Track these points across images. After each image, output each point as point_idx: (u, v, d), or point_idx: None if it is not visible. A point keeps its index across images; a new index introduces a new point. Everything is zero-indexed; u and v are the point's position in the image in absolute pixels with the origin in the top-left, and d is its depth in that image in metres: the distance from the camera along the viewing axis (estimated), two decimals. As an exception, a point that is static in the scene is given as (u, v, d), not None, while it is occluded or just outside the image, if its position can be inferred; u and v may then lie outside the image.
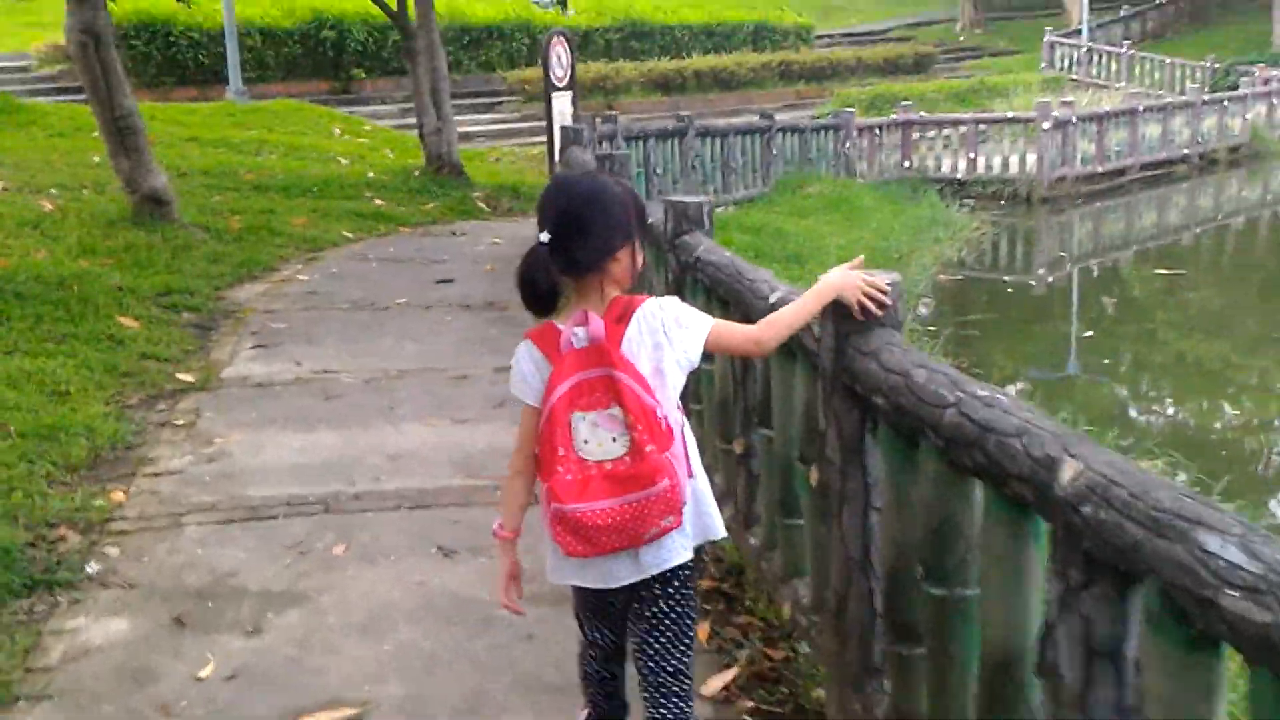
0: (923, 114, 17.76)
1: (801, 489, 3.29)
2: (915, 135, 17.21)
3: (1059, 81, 26.56)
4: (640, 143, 12.22)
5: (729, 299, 3.61)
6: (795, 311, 2.52)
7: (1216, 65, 27.07)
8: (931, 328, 9.86)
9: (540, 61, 14.70)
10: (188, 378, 6.32)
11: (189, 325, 7.44)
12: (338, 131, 17.66)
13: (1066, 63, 29.52)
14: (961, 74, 29.32)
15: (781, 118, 22.78)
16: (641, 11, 26.59)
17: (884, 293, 2.51)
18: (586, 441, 2.34)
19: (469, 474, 4.92)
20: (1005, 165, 16.71)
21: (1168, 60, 27.83)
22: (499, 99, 22.45)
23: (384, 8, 14.16)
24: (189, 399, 6.01)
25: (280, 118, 17.85)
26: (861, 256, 2.72)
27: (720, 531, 2.59)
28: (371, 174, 14.14)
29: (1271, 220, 17.71)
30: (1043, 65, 29.81)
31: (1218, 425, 8.95)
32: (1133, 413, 9.06)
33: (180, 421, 5.64)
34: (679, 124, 12.82)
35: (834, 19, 38.66)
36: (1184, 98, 19.17)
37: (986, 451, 2.01)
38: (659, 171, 12.34)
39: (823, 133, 15.58)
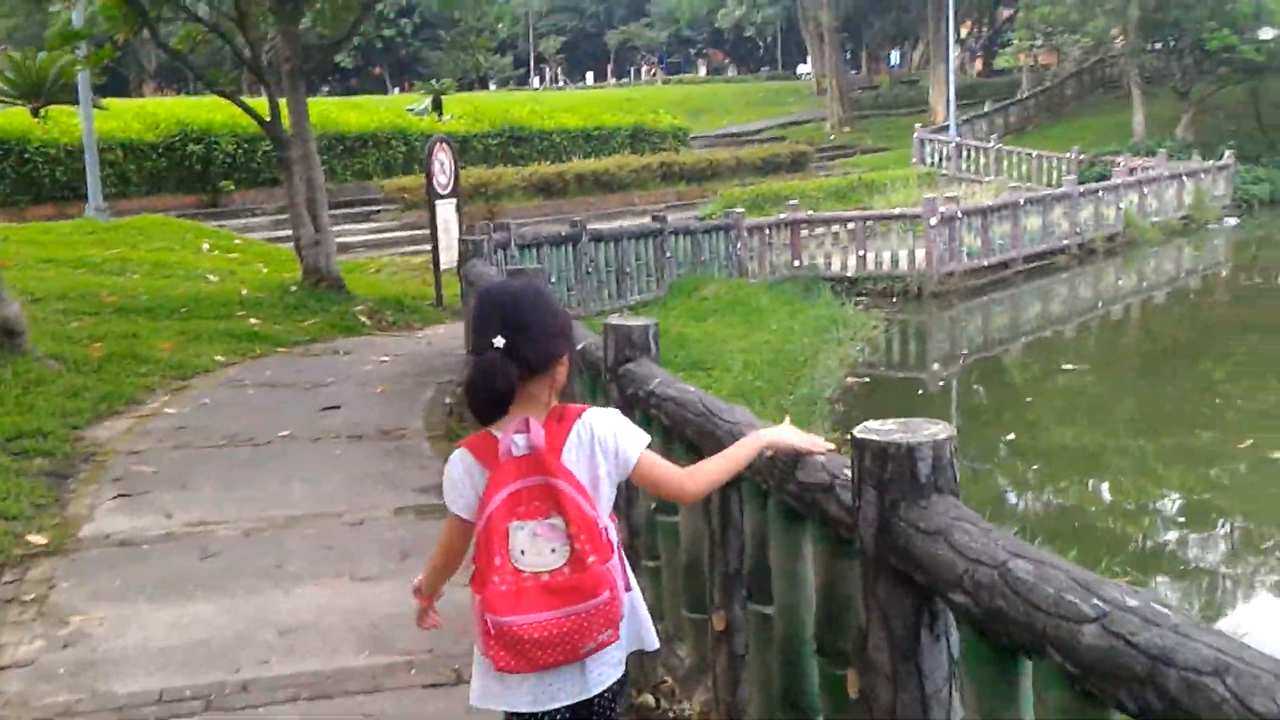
0: (809, 213, 17.65)
1: (822, 687, 2.67)
2: (804, 233, 17.05)
3: (931, 176, 27.02)
4: (534, 250, 11.70)
5: (700, 442, 3.07)
6: (721, 464, 2.49)
7: (1082, 156, 27.84)
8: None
9: (424, 169, 14.17)
10: (39, 539, 5.47)
11: (42, 473, 6.57)
12: (206, 246, 16.80)
13: (936, 158, 30.13)
14: (837, 171, 29.69)
15: (668, 219, 22.70)
16: (519, 117, 26.36)
17: (824, 451, 2.49)
18: (524, 552, 2.26)
19: (376, 648, 4.21)
20: (894, 262, 16.63)
21: (1034, 153, 28.58)
22: (376, 208, 21.83)
23: (257, 119, 13.52)
24: (41, 566, 5.18)
25: (144, 234, 16.94)
26: (787, 418, 2.67)
27: (654, 643, 2.54)
28: (245, 290, 13.33)
29: (1147, 306, 17.97)
30: (914, 160, 30.38)
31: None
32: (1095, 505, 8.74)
33: (30, 596, 4.82)
34: (572, 230, 12.36)
35: (706, 121, 39.19)
36: (1062, 189, 19.50)
37: (1164, 691, 1.44)
38: (554, 279, 11.82)
39: (714, 234, 15.30)
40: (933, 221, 16.10)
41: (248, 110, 13.66)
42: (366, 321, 12.97)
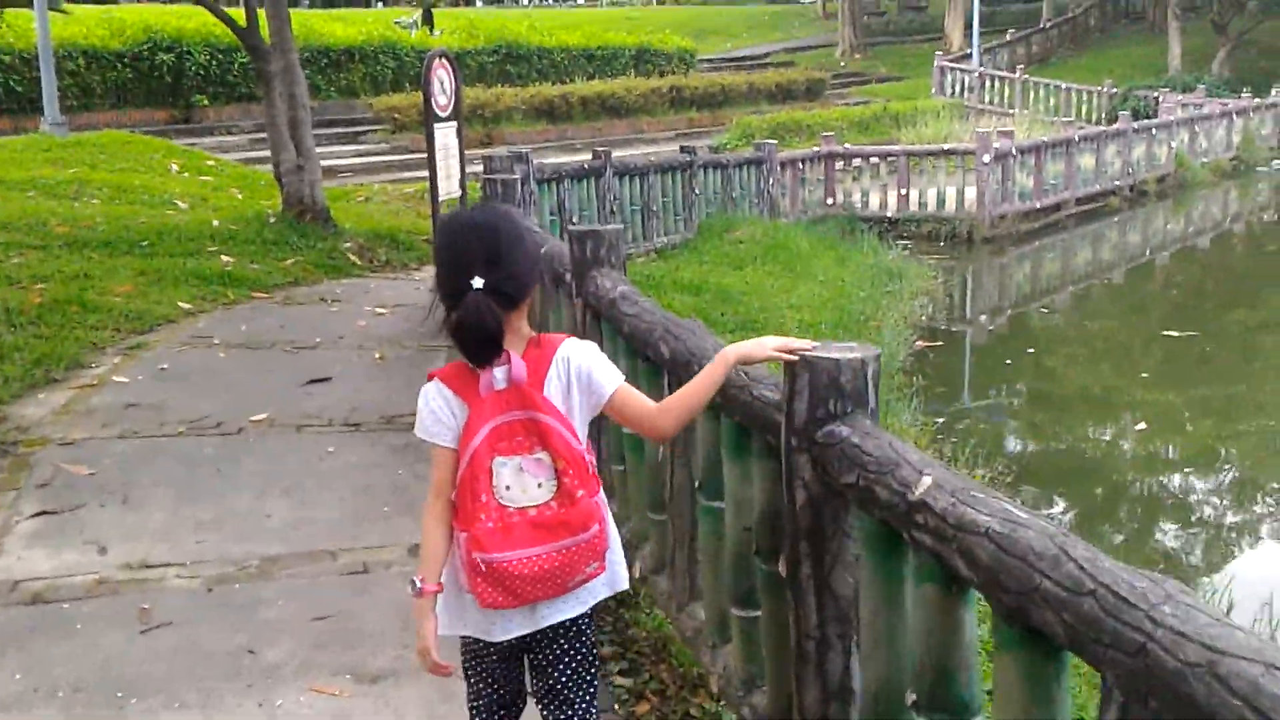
0: (846, 145, 16.00)
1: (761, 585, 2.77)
2: (838, 168, 15.44)
3: (958, 107, 25.31)
4: (553, 185, 10.08)
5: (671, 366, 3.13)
6: (693, 393, 2.40)
7: (1114, 90, 26.16)
8: (944, 419, 7.92)
9: (418, 87, 12.44)
10: (-84, 590, 3.94)
11: (-61, 474, 5.03)
12: (175, 168, 15.07)
13: (957, 88, 28.38)
14: (852, 100, 27.93)
15: (674, 148, 20.99)
16: (517, 33, 24.45)
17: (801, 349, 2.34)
18: (509, 488, 2.24)
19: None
20: (941, 202, 15.04)
21: (1063, 85, 26.87)
22: (364, 128, 20.04)
23: (230, 24, 11.76)
24: (-89, 638, 3.65)
25: (106, 152, 15.17)
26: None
27: (625, 583, 2.48)
28: (217, 221, 11.66)
29: (1226, 253, 16.37)
30: (933, 91, 28.64)
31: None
32: None
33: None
34: (595, 161, 10.72)
35: (710, 44, 37.18)
36: (1116, 125, 17.87)
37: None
38: (574, 219, 10.22)
39: (745, 168, 13.66)
40: (986, 158, 14.49)
41: (221, 16, 11.89)
42: (356, 260, 11.35)
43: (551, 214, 10.01)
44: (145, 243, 10.46)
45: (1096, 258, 15.83)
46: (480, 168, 10.41)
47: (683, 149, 12.65)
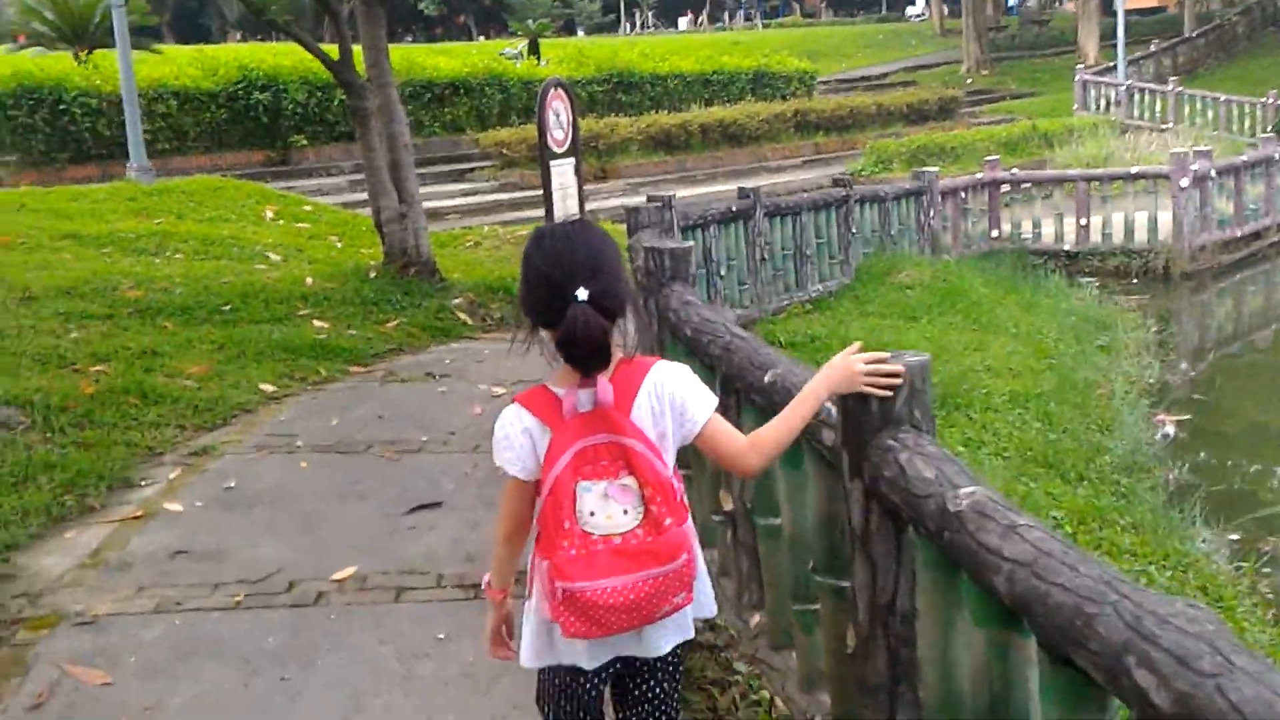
0: (1014, 170, 14.12)
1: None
2: (1003, 196, 13.56)
3: (1112, 124, 23.14)
4: (700, 231, 8.44)
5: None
6: (782, 428, 2.33)
7: (1278, 102, 23.74)
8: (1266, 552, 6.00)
9: (529, 119, 10.96)
10: None
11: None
12: (270, 214, 13.81)
13: (1103, 103, 26.18)
14: (985, 119, 25.92)
15: (805, 176, 19.27)
16: (628, 60, 23.00)
17: (896, 374, 2.26)
18: (593, 514, 2.16)
19: None
20: (1129, 232, 13.06)
21: (1220, 97, 24.52)
22: (469, 165, 18.71)
23: (324, 59, 10.44)
24: None
25: (195, 199, 13.99)
26: (858, 343, 2.41)
27: (714, 609, 2.46)
28: (310, 279, 10.27)
29: None
30: (1075, 106, 26.47)
31: None
32: None
33: None
34: (743, 201, 9.05)
35: (823, 66, 35.39)
36: (1313, 139, 15.68)
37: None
38: (721, 271, 8.56)
39: (904, 200, 11.89)
40: (1184, 182, 12.50)
41: (313, 49, 10.58)
42: (467, 320, 9.86)
43: (698, 265, 8.38)
44: (228, 307, 9.09)
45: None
46: (614, 216, 8.77)
47: (836, 181, 10.98)
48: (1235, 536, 5.84)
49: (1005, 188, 13.59)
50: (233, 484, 5.43)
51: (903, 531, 2.34)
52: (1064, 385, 7.76)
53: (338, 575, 4.35)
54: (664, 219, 5.89)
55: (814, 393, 2.33)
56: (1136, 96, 25.77)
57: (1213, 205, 13.08)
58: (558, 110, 11.44)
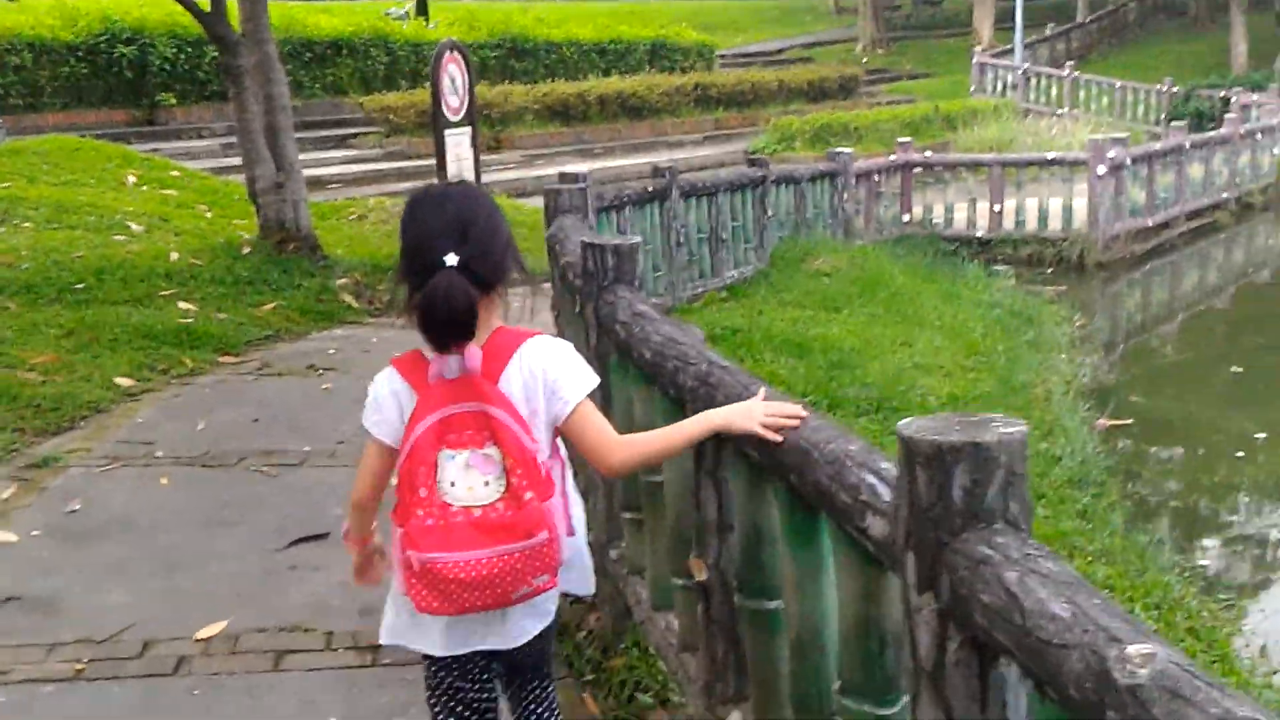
0: (927, 153, 13.67)
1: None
2: (915, 180, 13.12)
3: (1010, 107, 22.98)
4: (614, 213, 7.70)
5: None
6: (661, 441, 2.29)
7: (1174, 89, 23.91)
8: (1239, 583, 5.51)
9: (419, 84, 10.12)
10: None
11: None
12: (132, 180, 12.64)
13: (999, 86, 26.08)
14: (884, 99, 25.63)
15: (706, 152, 18.67)
16: (523, 25, 22.05)
17: (796, 418, 2.06)
18: (454, 484, 2.08)
19: None
20: (1043, 220, 12.70)
21: (1117, 84, 24.59)
22: (353, 130, 17.61)
23: (192, 9, 9.42)
24: None
25: (50, 161, 12.74)
26: (763, 388, 2.25)
27: (592, 587, 2.40)
28: (176, 253, 9.29)
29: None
30: (972, 89, 26.33)
31: None
32: None
33: None
34: (660, 181, 8.34)
35: (719, 39, 34.77)
36: (1221, 130, 15.55)
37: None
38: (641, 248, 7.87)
39: (818, 182, 11.32)
40: (1101, 169, 12.16)
41: (183, 1, 9.54)
42: (352, 302, 9.01)
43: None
44: (80, 285, 8.11)
45: (1241, 284, 13.42)
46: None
47: (751, 161, 10.31)
48: (1205, 562, 5.38)
49: (916, 170, 13.12)
50: (78, 506, 4.57)
51: (991, 667, 1.68)
52: (1001, 387, 7.26)
53: (203, 633, 3.56)
54: (585, 201, 5.17)
55: (706, 419, 2.25)
56: (1033, 80, 25.71)
57: (1127, 194, 12.81)
58: (453, 75, 10.61)
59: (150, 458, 5.20)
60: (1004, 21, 33.89)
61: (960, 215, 13.04)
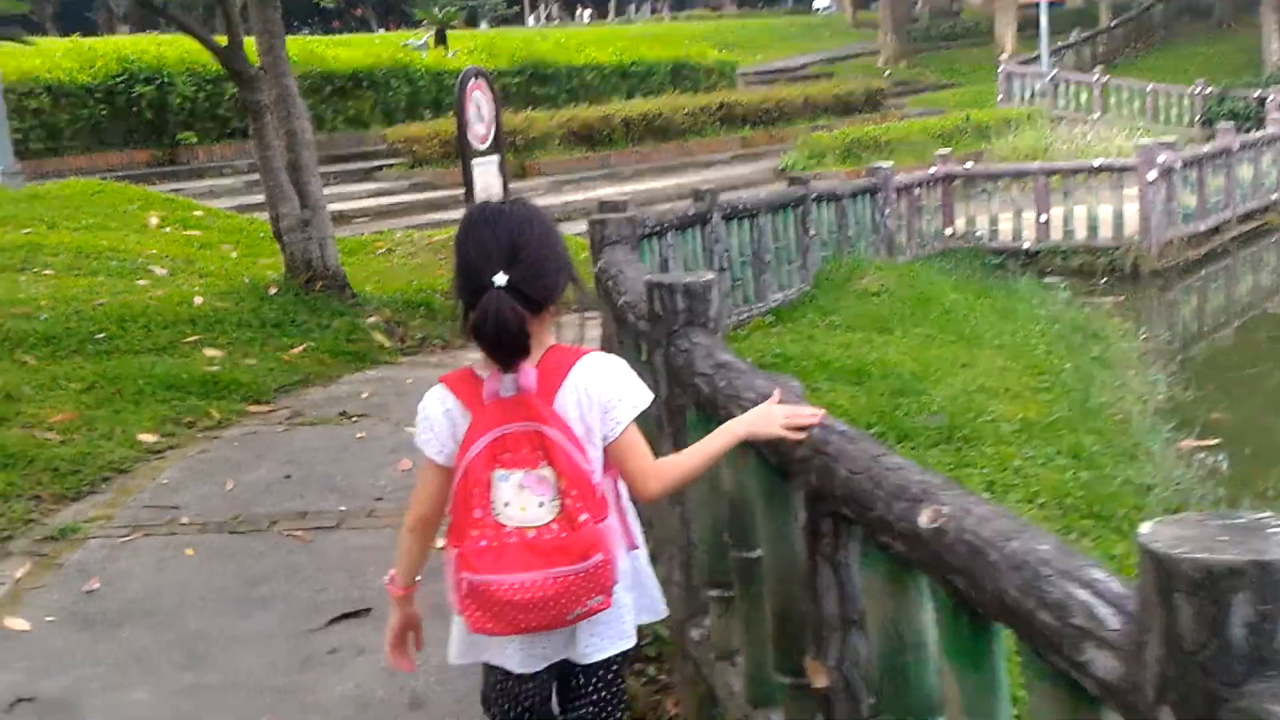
0: (969, 164, 13.25)
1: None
2: (954, 191, 12.68)
3: (1040, 114, 22.49)
4: (656, 239, 7.31)
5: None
6: (690, 461, 2.27)
7: (1208, 90, 23.38)
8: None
9: (456, 114, 9.80)
10: None
11: None
12: (155, 221, 12.37)
13: (1027, 94, 25.60)
14: (911, 111, 25.20)
15: (736, 171, 18.28)
16: (543, 51, 21.80)
17: (813, 418, 2.12)
18: (508, 504, 2.07)
19: None
20: (1093, 228, 12.25)
21: (1148, 87, 24.09)
22: (376, 163, 17.37)
23: (211, 47, 9.13)
24: None
25: (71, 206, 12.50)
26: (778, 391, 2.28)
27: (663, 610, 2.37)
28: (201, 296, 8.96)
29: None
30: (999, 98, 25.86)
31: None
32: None
33: None
34: (700, 204, 7.96)
35: (739, 58, 34.47)
36: (1271, 131, 15.07)
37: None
38: (681, 282, 7.49)
39: (859, 198, 10.92)
40: (1151, 175, 11.71)
41: (198, 34, 9.25)
42: (384, 341, 8.65)
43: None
44: (102, 335, 7.77)
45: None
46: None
47: (792, 180, 9.90)
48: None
49: (956, 183, 12.70)
50: (96, 585, 4.19)
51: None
52: (1076, 410, 6.81)
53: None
54: (634, 231, 4.79)
55: (730, 430, 2.24)
56: (1061, 87, 25.24)
57: (1178, 199, 12.34)
58: (479, 103, 10.28)
59: (175, 524, 4.82)
60: (1025, 30, 33.46)
61: (1005, 226, 12.60)
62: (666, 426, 3.11)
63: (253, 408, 6.85)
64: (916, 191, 12.14)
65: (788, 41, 39.74)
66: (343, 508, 4.97)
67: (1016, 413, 6.76)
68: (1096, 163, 12.74)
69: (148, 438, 6.06)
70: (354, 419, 6.55)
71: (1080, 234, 12.32)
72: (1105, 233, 12.21)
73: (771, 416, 2.17)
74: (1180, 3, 34.20)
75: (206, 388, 6.94)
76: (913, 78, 31.47)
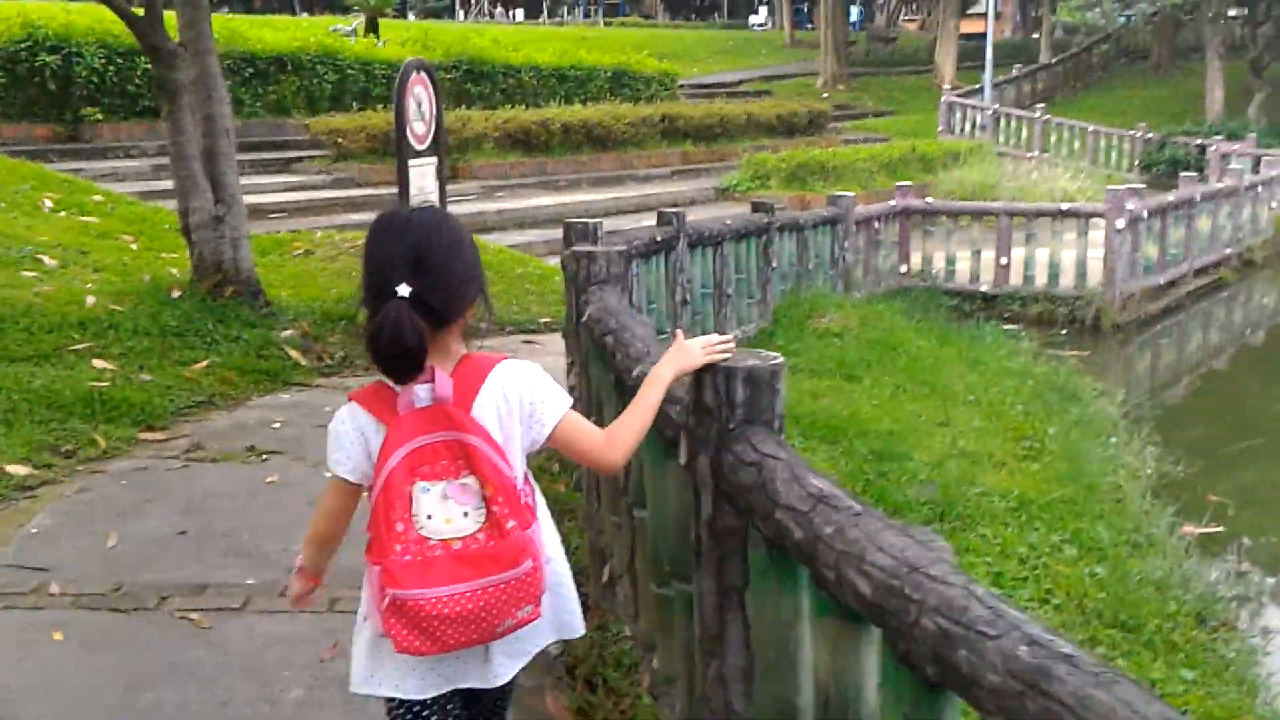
0: (928, 200, 12.68)
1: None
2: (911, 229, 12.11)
3: (984, 150, 22.15)
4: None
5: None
6: (635, 418, 2.23)
7: (1149, 136, 23.31)
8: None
9: (395, 108, 8.92)
10: None
11: None
12: (49, 204, 11.24)
13: (968, 126, 25.35)
14: (850, 137, 24.77)
15: (676, 188, 17.55)
16: (479, 47, 20.86)
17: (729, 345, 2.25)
18: (430, 517, 2.01)
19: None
20: (1054, 276, 11.74)
21: (1090, 128, 23.97)
22: (297, 154, 16.29)
23: (126, 16, 8.15)
24: None
25: (-45, 182, 11.32)
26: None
27: (580, 628, 2.29)
28: (94, 295, 7.97)
29: None
30: (939, 129, 25.57)
31: None
32: None
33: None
34: (667, 229, 7.19)
35: (676, 69, 33.92)
36: (1228, 183, 14.79)
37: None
38: (646, 308, 6.71)
39: (819, 229, 10.26)
40: (1120, 223, 11.23)
41: (112, 4, 8.24)
42: (300, 359, 7.74)
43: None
44: (-25, 336, 6.76)
45: (1272, 348, 12.51)
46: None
47: (756, 206, 9.17)
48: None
49: (914, 218, 12.12)
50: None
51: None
52: (1070, 486, 6.18)
53: None
54: (625, 267, 4.02)
55: (658, 375, 2.26)
56: (1003, 121, 25.02)
57: (1141, 249, 11.90)
58: (420, 99, 9.39)
59: (43, 594, 3.92)
60: (964, 61, 33.41)
61: (963, 266, 12.05)
62: (708, 552, 2.34)
63: (145, 434, 5.93)
64: (876, 224, 11.52)
65: (723, 55, 39.26)
66: (250, 580, 4.10)
67: (1007, 485, 6.11)
68: (1064, 206, 12.25)
69: (18, 470, 5.12)
70: (264, 456, 5.66)
71: (1040, 280, 11.82)
72: (1066, 280, 11.72)
73: (690, 350, 2.22)
74: (1119, 46, 34.39)
75: (92, 407, 6.00)
76: (851, 101, 31.14)
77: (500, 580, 1.99)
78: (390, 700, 2.14)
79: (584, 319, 3.64)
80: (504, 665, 2.12)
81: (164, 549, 4.38)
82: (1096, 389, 8.91)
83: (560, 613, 2.22)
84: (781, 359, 2.31)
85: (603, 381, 3.30)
